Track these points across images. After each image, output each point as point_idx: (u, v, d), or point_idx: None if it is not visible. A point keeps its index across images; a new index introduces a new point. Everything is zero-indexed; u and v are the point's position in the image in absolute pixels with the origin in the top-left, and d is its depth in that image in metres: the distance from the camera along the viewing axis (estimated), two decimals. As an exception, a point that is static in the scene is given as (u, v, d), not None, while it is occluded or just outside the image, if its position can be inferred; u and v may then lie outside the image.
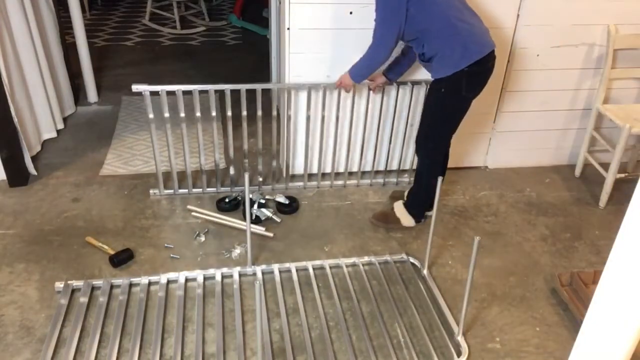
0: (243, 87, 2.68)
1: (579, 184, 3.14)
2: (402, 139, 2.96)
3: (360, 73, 2.48)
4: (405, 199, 2.71)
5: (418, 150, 2.57)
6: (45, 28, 3.39)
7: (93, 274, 2.33)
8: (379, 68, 2.46)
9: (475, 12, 2.35)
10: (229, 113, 2.67)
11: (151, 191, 2.86)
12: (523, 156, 3.24)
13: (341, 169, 3.01)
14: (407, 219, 2.63)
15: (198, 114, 2.69)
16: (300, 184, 2.96)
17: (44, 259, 2.39)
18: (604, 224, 2.79)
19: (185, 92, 2.64)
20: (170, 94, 2.64)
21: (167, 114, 2.66)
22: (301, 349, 1.99)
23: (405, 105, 2.87)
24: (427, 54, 2.30)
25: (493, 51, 2.32)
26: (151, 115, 2.67)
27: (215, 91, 2.67)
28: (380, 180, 3.03)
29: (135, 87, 2.59)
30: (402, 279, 2.35)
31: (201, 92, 2.68)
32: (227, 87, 2.66)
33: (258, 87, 2.70)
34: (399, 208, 2.66)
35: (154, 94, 2.62)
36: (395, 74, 2.66)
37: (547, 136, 3.20)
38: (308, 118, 2.78)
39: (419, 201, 2.62)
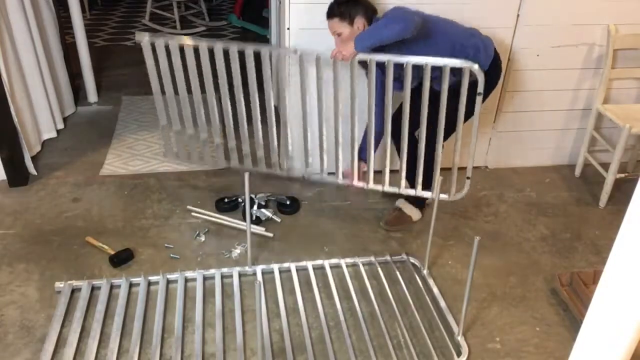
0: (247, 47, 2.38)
1: (579, 184, 3.14)
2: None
3: (370, 42, 2.21)
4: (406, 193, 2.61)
5: (410, 141, 2.44)
6: (45, 28, 3.40)
7: (93, 274, 2.33)
8: (391, 40, 2.20)
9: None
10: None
11: None
12: (523, 156, 3.25)
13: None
14: (416, 214, 2.65)
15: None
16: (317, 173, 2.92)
17: (44, 259, 2.39)
18: (604, 224, 2.79)
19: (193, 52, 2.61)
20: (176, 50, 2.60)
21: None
22: (301, 349, 1.99)
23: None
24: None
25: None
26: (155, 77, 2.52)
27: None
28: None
29: (138, 38, 2.44)
30: (402, 279, 2.35)
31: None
32: (234, 46, 2.40)
33: (264, 49, 2.40)
34: (406, 206, 2.65)
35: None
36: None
37: (547, 136, 3.20)
38: (319, 80, 2.46)
39: (428, 180, 2.52)
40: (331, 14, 2.32)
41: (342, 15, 2.30)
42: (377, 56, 2.25)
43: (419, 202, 2.66)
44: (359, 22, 2.30)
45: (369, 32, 2.24)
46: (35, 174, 3.00)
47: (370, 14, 2.34)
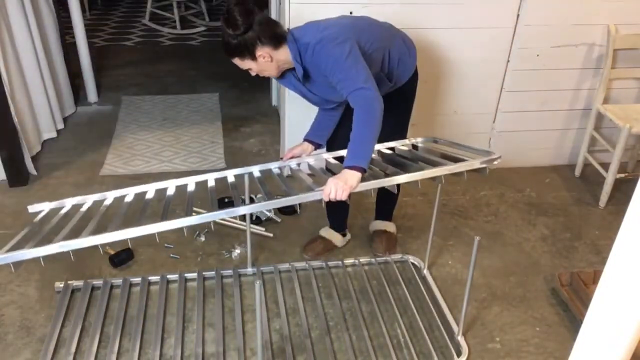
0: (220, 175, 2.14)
1: (579, 184, 3.14)
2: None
3: (369, 150, 1.84)
4: (379, 214, 2.59)
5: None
6: (45, 28, 3.40)
7: (93, 274, 2.33)
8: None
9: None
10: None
11: None
12: (523, 156, 3.24)
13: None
14: (394, 226, 2.57)
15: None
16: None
17: (44, 259, 2.39)
18: (604, 224, 2.79)
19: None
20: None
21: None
22: (301, 349, 1.99)
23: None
24: (391, 71, 2.09)
25: None
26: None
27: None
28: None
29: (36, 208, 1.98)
30: (402, 279, 2.35)
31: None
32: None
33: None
34: (387, 224, 2.56)
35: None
36: (323, 136, 2.21)
37: (547, 136, 3.20)
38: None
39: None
40: (228, 52, 1.87)
41: (240, 54, 1.84)
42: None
43: (390, 214, 2.57)
44: (262, 52, 1.84)
45: (364, 138, 1.84)
46: (35, 174, 3.00)
47: (273, 35, 1.85)
